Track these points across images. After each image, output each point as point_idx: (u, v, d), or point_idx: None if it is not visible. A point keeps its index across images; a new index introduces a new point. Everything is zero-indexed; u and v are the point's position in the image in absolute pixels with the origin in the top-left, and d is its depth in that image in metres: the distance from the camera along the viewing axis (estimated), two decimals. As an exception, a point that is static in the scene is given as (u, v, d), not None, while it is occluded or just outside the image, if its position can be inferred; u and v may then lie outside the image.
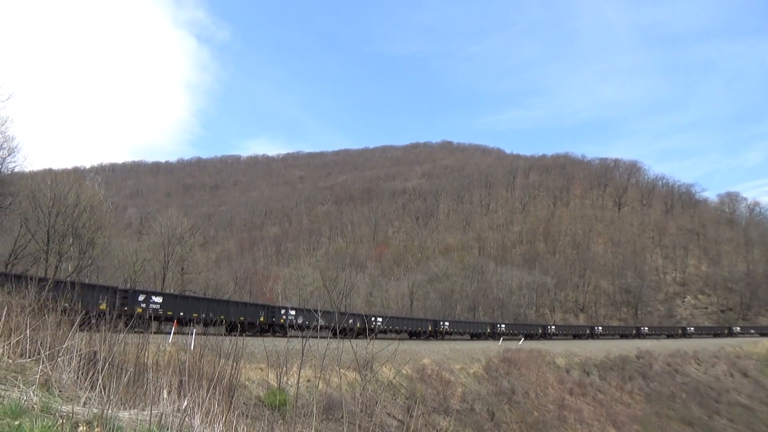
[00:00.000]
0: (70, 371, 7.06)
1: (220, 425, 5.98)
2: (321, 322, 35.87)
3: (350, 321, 39.52)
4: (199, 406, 6.11)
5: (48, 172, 58.03)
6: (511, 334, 62.61)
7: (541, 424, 31.38)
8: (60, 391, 6.37)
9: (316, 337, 11.05)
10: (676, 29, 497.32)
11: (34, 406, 5.34)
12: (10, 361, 6.89)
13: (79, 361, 7.36)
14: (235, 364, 8.53)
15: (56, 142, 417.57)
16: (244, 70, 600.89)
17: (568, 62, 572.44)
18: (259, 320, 35.01)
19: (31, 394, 5.68)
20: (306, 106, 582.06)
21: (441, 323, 54.98)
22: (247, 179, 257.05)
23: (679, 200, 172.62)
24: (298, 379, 9.96)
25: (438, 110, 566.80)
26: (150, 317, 25.53)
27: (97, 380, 6.56)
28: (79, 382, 6.91)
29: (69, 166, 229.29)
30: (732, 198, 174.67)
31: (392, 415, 22.46)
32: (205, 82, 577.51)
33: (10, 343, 7.34)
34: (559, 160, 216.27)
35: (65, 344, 7.52)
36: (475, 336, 59.06)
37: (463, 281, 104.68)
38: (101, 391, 6.24)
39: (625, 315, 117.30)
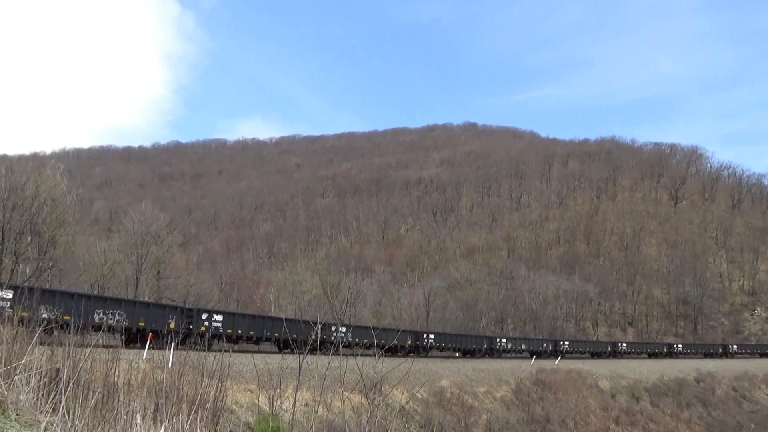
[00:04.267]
0: (28, 392, 7.15)
1: (203, 456, 6.03)
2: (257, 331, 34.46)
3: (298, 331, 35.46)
4: (178, 433, 6.17)
5: (2, 159, 58.66)
6: (515, 351, 60.97)
7: (581, 459, 31.36)
8: (17, 415, 6.45)
9: (316, 353, 11.11)
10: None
11: (-12, 431, 5.41)
12: (-41, 379, 6.98)
13: (39, 380, 7.44)
14: (220, 385, 8.60)
15: (11, 124, 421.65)
16: (235, 39, 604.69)
17: (617, 29, 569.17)
18: (168, 327, 31.05)
19: (-16, 417, 5.75)
20: (305, 82, 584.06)
21: (425, 336, 52.71)
22: (234, 167, 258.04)
23: (748, 193, 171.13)
24: (294, 402, 10.02)
25: (460, 87, 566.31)
26: None
27: (60, 402, 6.64)
28: (39, 404, 6.99)
29: (26, 151, 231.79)
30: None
31: (405, 446, 22.53)
32: (189, 54, 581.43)
33: (-42, 359, 7.44)
34: (604, 145, 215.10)
35: (23, 360, 7.61)
36: (469, 353, 56.62)
37: (489, 289, 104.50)
38: (65, 416, 6.31)
39: (682, 330, 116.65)
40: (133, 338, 29.08)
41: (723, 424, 47.10)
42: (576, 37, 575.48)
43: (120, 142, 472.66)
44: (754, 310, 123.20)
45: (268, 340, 37.33)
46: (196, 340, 30.76)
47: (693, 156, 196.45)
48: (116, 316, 28.57)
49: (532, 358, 55.60)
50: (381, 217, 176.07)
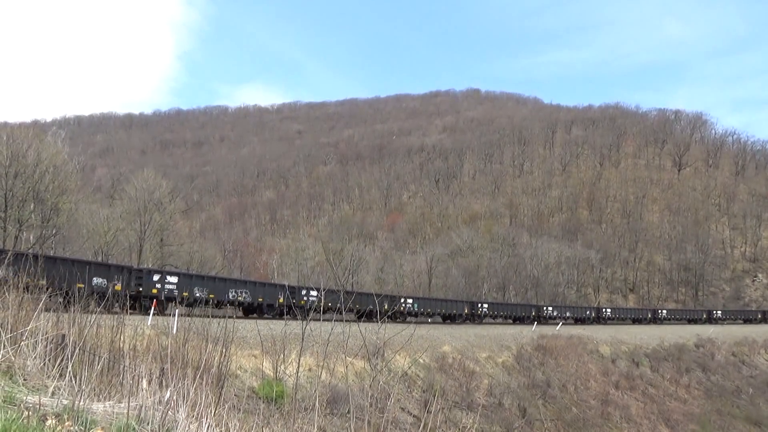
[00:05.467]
0: (35, 357, 7.24)
1: (209, 420, 6.12)
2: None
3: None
4: (183, 398, 6.25)
5: (3, 127, 58.47)
6: (561, 318, 62.71)
7: (580, 422, 31.82)
8: (25, 380, 6.55)
9: (319, 320, 11.22)
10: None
11: (-4, 396, 5.49)
12: (-33, 345, 7.06)
13: (46, 346, 7.53)
14: (224, 351, 8.69)
15: (12, 91, 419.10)
16: (236, 3, 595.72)
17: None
18: (278, 301, 37.83)
19: (-8, 382, 5.83)
20: (306, 47, 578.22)
21: (480, 305, 56.15)
22: (236, 134, 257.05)
23: (752, 160, 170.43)
24: (298, 367, 10.15)
25: (463, 52, 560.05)
26: (165, 300, 30.23)
27: (67, 368, 6.73)
28: (46, 369, 7.09)
29: (27, 119, 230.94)
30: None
31: (407, 410, 22.89)
32: (191, 19, 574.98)
33: (-35, 325, 7.51)
34: (608, 111, 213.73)
35: (29, 326, 7.69)
36: (519, 320, 58.52)
37: (491, 255, 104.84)
38: (71, 380, 6.40)
39: (683, 296, 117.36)
40: (253, 310, 36.34)
41: (722, 389, 47.66)
42: None
43: (121, 109, 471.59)
44: (755, 277, 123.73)
45: (350, 311, 42.63)
46: (297, 311, 38.76)
47: (697, 122, 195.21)
48: (243, 293, 35.33)
49: (559, 324, 56.80)
50: (383, 184, 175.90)
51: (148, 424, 5.60)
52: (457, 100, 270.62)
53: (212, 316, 10.17)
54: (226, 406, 7.51)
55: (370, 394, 8.77)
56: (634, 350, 48.86)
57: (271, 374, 17.35)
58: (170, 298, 30.53)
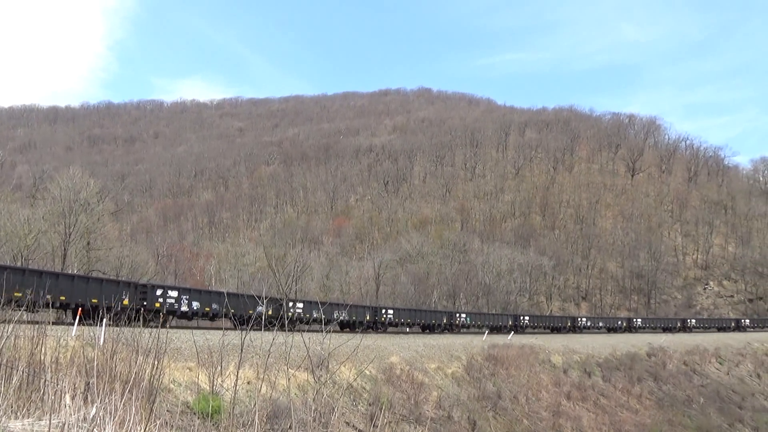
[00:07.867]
0: (-56, 371, 6.97)
1: (138, 438, 6.01)
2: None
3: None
4: (111, 414, 6.11)
5: None
6: (595, 328, 75.87)
7: (531, 435, 32.34)
8: (-68, 397, 6.29)
9: (260, 329, 11.12)
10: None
11: None
12: None
13: (-43, 359, 7.26)
14: (156, 363, 8.52)
15: None
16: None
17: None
18: (365, 318, 47.89)
19: None
20: (250, 41, 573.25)
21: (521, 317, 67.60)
22: (171, 131, 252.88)
23: (704, 166, 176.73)
24: (236, 380, 10.04)
25: (415, 50, 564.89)
26: (296, 320, 38.47)
27: (-20, 383, 6.50)
28: (-44, 384, 6.83)
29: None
30: None
31: (352, 424, 22.84)
32: (125, 6, 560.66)
33: None
34: (562, 114, 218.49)
35: (-62, 337, 7.39)
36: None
37: (441, 262, 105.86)
38: (-15, 396, 6.19)
39: (635, 304, 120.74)
40: (348, 325, 44.79)
41: (673, 399, 49.20)
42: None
43: (44, 101, 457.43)
44: (706, 284, 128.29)
45: (416, 324, 55.37)
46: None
47: (651, 127, 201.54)
48: (343, 313, 43.51)
49: (509, 333, 57.72)
50: (329, 186, 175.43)
51: (71, 443, 5.46)
52: (408, 100, 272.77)
53: (145, 326, 9.96)
54: (158, 423, 7.37)
55: (313, 408, 8.73)
56: (586, 360, 49.97)
57: (207, 388, 17.08)
58: (300, 319, 40.76)
